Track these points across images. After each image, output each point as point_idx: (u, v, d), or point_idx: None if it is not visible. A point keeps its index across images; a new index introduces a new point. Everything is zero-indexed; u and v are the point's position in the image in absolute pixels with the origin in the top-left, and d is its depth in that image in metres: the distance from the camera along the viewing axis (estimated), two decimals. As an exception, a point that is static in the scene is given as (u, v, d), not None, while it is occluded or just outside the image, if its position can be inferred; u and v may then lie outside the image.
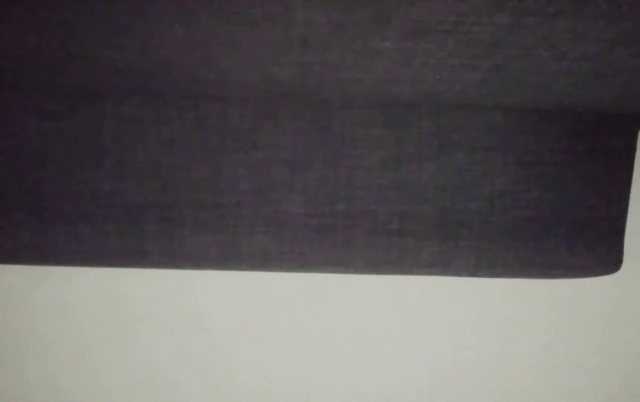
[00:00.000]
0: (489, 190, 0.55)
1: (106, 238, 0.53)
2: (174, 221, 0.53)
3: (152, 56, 0.47)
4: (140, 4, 0.44)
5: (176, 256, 0.54)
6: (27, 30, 0.46)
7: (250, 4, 0.44)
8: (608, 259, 0.57)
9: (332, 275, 0.62)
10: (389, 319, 0.71)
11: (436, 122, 0.54)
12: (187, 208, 0.53)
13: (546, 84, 0.50)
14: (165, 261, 0.54)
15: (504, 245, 0.55)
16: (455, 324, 0.72)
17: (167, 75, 0.49)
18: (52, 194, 0.52)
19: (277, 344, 0.71)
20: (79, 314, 0.69)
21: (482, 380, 0.74)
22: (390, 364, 0.72)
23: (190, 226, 0.53)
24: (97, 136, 0.52)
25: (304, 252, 0.54)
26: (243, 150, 0.53)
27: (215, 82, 0.50)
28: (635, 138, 0.56)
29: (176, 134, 0.52)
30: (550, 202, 0.55)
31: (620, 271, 0.58)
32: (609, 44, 0.47)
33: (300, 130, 0.53)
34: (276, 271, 0.55)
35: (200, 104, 0.52)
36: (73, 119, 0.52)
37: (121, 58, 0.47)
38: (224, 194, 0.53)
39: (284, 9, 0.44)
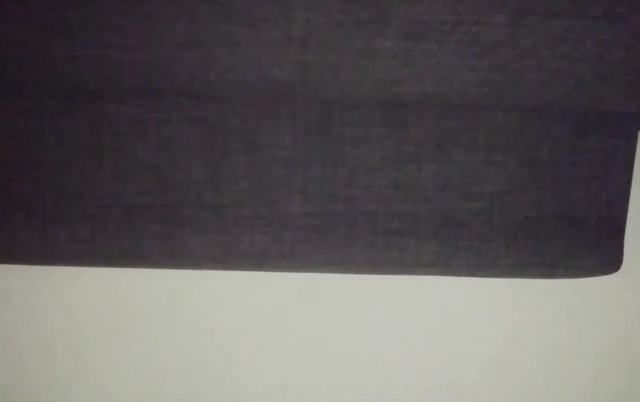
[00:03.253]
0: (489, 190, 0.55)
1: (106, 238, 0.53)
2: (174, 221, 0.53)
3: (152, 56, 0.47)
4: (140, 4, 0.44)
5: (176, 256, 0.54)
6: (27, 30, 0.46)
7: (250, 4, 0.44)
8: (608, 259, 0.57)
9: (332, 275, 0.62)
10: (389, 319, 0.71)
11: (436, 122, 0.54)
12: (187, 208, 0.53)
13: (546, 84, 0.50)
14: (165, 261, 0.54)
15: (504, 245, 0.55)
16: (455, 324, 0.72)
17: (167, 75, 0.49)
18: (52, 194, 0.52)
19: (277, 344, 0.71)
20: (79, 314, 0.69)
21: (482, 380, 0.74)
22: (390, 364, 0.72)
23: (190, 226, 0.53)
24: (97, 136, 0.52)
25: (304, 252, 0.54)
26: (243, 150, 0.53)
27: (215, 82, 0.50)
28: (635, 138, 0.56)
29: (176, 134, 0.52)
30: (550, 202, 0.55)
31: (620, 271, 0.58)
32: (609, 44, 0.47)
33: (300, 130, 0.53)
34: (276, 271, 0.55)
35: (200, 104, 0.52)
36: (73, 119, 0.52)
37: (121, 58, 0.47)
38: (224, 194, 0.53)
39: (284, 9, 0.44)
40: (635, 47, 0.48)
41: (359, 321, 0.71)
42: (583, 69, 0.49)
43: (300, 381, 0.72)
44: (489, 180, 0.54)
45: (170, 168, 0.52)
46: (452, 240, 0.55)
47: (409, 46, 0.47)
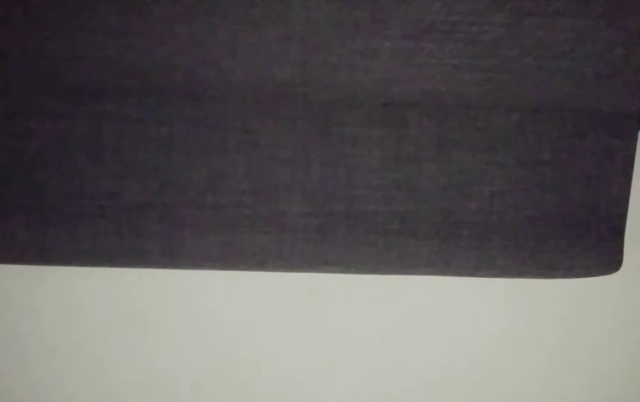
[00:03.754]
0: (489, 190, 0.55)
1: (106, 238, 0.53)
2: (174, 221, 0.53)
3: (152, 56, 0.47)
4: (140, 4, 0.44)
5: (176, 256, 0.54)
6: (27, 30, 0.46)
7: (250, 4, 0.44)
8: (608, 259, 0.57)
9: (332, 275, 0.62)
10: (389, 319, 0.71)
11: (436, 122, 0.54)
12: (187, 208, 0.53)
13: (546, 84, 0.50)
14: (165, 261, 0.54)
15: (504, 245, 0.55)
16: (455, 324, 0.72)
17: (167, 75, 0.49)
18: (52, 194, 0.52)
19: (277, 343, 0.71)
20: (79, 314, 0.69)
21: (482, 380, 0.74)
22: (390, 364, 0.72)
23: (190, 225, 0.53)
24: (97, 136, 0.52)
25: (304, 252, 0.54)
26: (243, 150, 0.53)
27: (215, 82, 0.50)
28: (635, 138, 0.56)
29: (176, 134, 0.52)
30: (550, 202, 0.55)
31: (620, 271, 0.58)
32: (609, 44, 0.47)
33: (300, 130, 0.53)
34: (276, 271, 0.55)
35: (200, 104, 0.52)
36: (73, 119, 0.52)
37: (121, 58, 0.47)
38: (224, 194, 0.53)
39: (284, 9, 0.44)
40: (635, 47, 0.48)
41: (359, 321, 0.71)
42: (583, 69, 0.49)
43: (300, 380, 0.72)
44: (489, 180, 0.55)
45: (170, 168, 0.52)
46: (452, 240, 0.55)
47: (409, 46, 0.47)
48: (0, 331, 0.69)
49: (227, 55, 0.47)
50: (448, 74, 0.49)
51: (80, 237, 0.53)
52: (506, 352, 0.73)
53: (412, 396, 0.73)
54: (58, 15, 0.45)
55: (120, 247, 0.53)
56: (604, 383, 0.75)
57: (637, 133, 0.56)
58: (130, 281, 0.68)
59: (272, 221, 0.53)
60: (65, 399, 0.70)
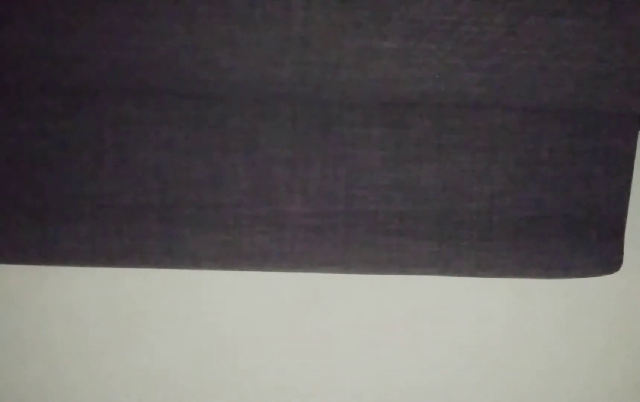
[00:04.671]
0: (489, 190, 0.55)
1: (106, 238, 0.53)
2: (174, 221, 0.53)
3: (152, 56, 0.47)
4: (140, 4, 0.44)
5: (176, 256, 0.54)
6: (27, 30, 0.46)
7: (250, 4, 0.44)
8: (608, 259, 0.57)
9: (332, 275, 0.62)
10: (389, 319, 0.71)
11: (436, 122, 0.54)
12: (187, 208, 0.53)
13: (546, 84, 0.50)
14: (166, 260, 0.54)
15: (504, 245, 0.55)
16: (455, 324, 0.72)
17: (167, 75, 0.49)
18: (52, 194, 0.52)
19: (278, 343, 0.71)
20: (79, 314, 0.69)
21: (482, 380, 0.74)
22: (390, 364, 0.72)
23: (190, 226, 0.53)
24: (97, 136, 0.52)
25: (304, 252, 0.54)
26: (243, 150, 0.53)
27: (215, 82, 0.50)
28: (635, 138, 0.56)
29: (176, 134, 0.52)
30: (550, 202, 0.55)
31: (620, 271, 0.58)
32: (609, 44, 0.47)
33: (300, 130, 0.53)
34: (276, 270, 0.55)
35: (200, 104, 0.52)
36: (73, 119, 0.52)
37: (121, 58, 0.47)
38: (224, 194, 0.53)
39: (284, 9, 0.44)
40: (635, 47, 0.48)
41: (359, 321, 0.71)
42: (583, 69, 0.49)
43: (300, 380, 0.72)
44: (489, 180, 0.54)
45: (170, 168, 0.52)
46: (452, 240, 0.55)
47: (409, 46, 0.47)
48: (1, 330, 0.69)
49: (227, 55, 0.47)
50: (448, 74, 0.49)
51: (80, 237, 0.53)
52: (506, 352, 0.73)
53: (412, 395, 0.73)
54: (58, 15, 0.45)
55: (120, 247, 0.53)
56: (604, 383, 0.75)
57: (637, 133, 0.56)
58: (130, 281, 0.68)
59: (272, 221, 0.53)
60: (66, 398, 0.70)
